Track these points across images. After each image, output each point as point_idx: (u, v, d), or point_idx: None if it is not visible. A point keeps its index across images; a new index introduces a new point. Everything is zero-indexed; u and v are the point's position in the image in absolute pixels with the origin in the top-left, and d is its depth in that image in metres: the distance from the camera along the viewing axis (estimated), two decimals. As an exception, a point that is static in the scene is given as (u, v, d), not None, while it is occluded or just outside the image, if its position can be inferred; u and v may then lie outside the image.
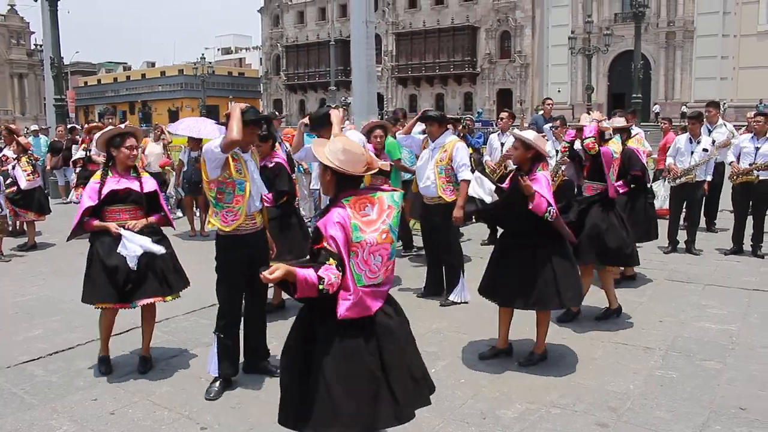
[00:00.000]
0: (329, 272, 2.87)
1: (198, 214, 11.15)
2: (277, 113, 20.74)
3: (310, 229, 6.80)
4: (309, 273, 2.83)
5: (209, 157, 4.46)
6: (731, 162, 8.89)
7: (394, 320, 3.22)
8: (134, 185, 4.89)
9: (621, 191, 6.79)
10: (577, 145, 6.21)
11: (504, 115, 10.15)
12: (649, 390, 4.57)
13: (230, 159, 4.51)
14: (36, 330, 6.06)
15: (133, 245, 4.67)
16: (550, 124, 9.98)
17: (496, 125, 31.94)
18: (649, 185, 8.19)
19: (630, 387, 4.63)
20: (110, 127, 5.09)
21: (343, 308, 3.01)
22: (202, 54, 60.69)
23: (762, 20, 46.28)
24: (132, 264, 4.65)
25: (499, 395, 4.50)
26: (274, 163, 5.96)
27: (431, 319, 6.22)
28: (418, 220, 8.07)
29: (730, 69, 47.06)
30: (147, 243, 4.73)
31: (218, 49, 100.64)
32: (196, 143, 10.76)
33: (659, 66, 50.07)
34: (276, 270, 2.75)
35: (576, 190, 6.77)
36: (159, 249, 4.78)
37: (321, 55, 65.14)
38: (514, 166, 5.08)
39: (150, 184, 4.99)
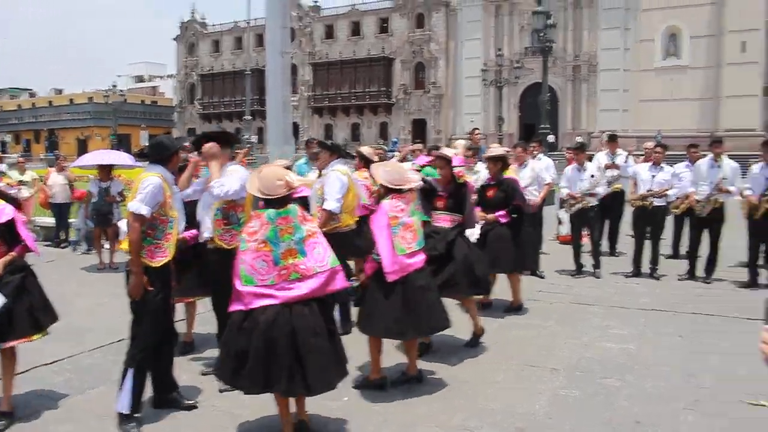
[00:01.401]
0: None
1: (107, 246, 10.81)
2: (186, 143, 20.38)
3: None
4: None
5: (155, 193, 4.40)
6: (632, 189, 9.43)
7: (285, 317, 3.94)
8: None
9: (503, 221, 7.10)
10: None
11: (418, 146, 10.63)
12: (554, 409, 4.76)
13: (167, 195, 4.47)
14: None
15: None
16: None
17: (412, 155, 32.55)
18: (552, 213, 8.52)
19: (536, 407, 4.79)
20: None
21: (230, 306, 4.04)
22: (114, 82, 59.26)
23: (657, 57, 49.17)
24: None
25: (407, 421, 4.57)
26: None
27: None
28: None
29: (631, 101, 49.64)
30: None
31: (131, 77, 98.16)
32: (105, 174, 10.49)
33: (566, 98, 52.29)
34: None
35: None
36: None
37: (237, 84, 64.69)
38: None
39: (7, 212, 4.68)
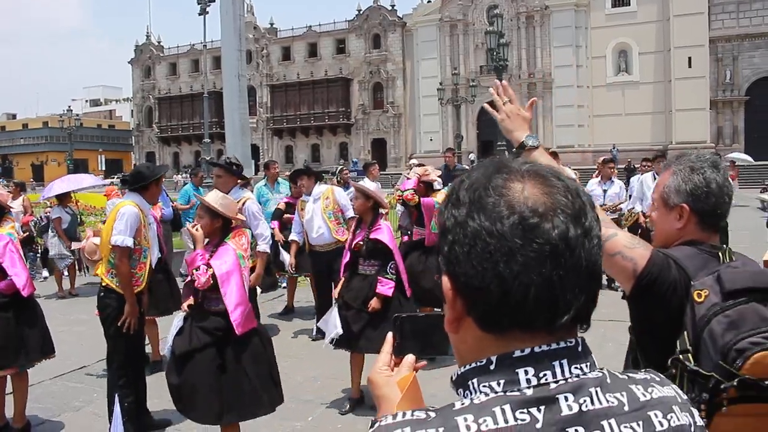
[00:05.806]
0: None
1: (66, 273, 10.62)
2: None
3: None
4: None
5: (133, 221, 4.45)
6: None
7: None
8: None
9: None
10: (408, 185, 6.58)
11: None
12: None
13: (143, 226, 4.55)
14: None
15: None
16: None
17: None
18: None
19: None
20: None
21: (238, 327, 3.76)
22: (69, 106, 58.28)
23: (609, 73, 50.44)
24: None
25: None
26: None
27: (309, 367, 6.28)
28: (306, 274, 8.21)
29: (586, 117, 50.73)
30: None
31: (86, 101, 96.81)
32: (68, 199, 10.41)
33: (523, 115, 53.14)
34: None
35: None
36: None
37: (195, 106, 64.31)
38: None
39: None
